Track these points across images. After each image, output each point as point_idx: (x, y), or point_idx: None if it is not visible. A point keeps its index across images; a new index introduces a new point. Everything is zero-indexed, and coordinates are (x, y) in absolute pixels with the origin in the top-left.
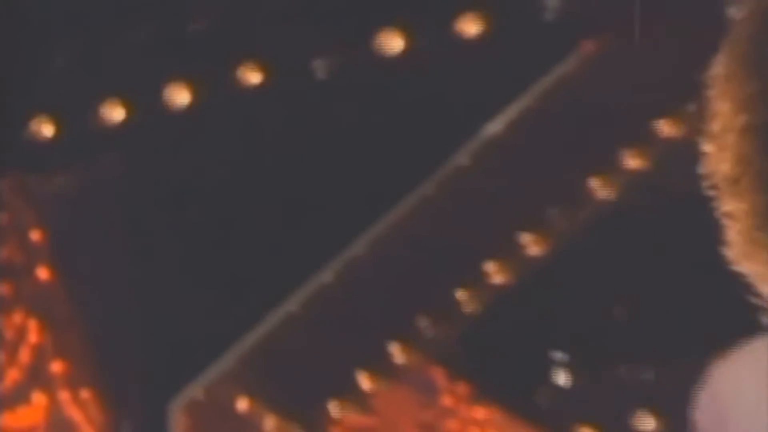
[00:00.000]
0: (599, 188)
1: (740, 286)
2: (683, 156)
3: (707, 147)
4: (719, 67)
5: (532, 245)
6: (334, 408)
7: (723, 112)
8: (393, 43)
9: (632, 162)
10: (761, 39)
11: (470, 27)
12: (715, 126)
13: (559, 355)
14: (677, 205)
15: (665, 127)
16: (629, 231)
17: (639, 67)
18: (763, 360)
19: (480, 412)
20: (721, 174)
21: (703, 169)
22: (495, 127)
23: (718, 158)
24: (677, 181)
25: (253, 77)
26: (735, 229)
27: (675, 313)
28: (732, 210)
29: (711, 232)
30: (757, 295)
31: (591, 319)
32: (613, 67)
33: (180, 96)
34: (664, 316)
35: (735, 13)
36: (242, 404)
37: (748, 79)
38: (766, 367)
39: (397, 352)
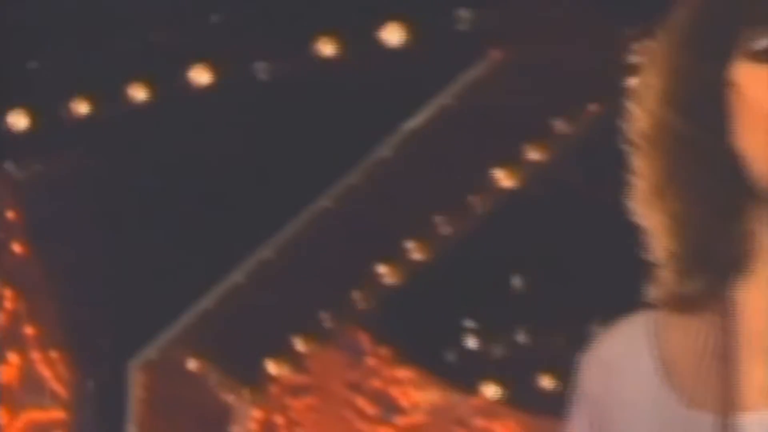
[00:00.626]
0: (504, 178)
1: (627, 262)
2: (577, 150)
3: (632, 106)
4: (655, 41)
5: (445, 226)
6: (271, 367)
7: (651, 76)
8: (327, 48)
9: (533, 155)
10: (698, 14)
11: (394, 35)
12: (643, 87)
13: (468, 322)
14: (570, 193)
15: (561, 126)
16: (529, 214)
17: (539, 73)
18: (643, 330)
19: (400, 372)
20: (638, 131)
21: (624, 125)
22: (414, 122)
23: (639, 117)
24: (571, 172)
25: (203, 77)
26: (642, 184)
27: (568, 286)
28: (642, 165)
29: (600, 216)
30: (651, 251)
31: (496, 290)
32: (517, 73)
33: (139, 94)
34: (558, 289)
35: None
36: (192, 364)
37: (678, 48)
38: (646, 337)
39: (328, 319)
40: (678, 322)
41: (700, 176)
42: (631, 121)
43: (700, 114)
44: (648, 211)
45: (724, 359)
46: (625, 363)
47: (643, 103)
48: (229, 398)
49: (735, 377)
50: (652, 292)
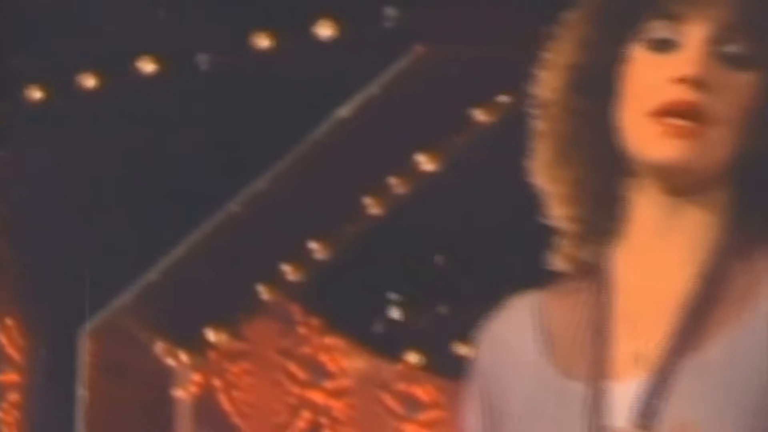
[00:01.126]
0: (425, 162)
1: (536, 241)
2: (492, 139)
3: (541, 72)
4: (569, 17)
5: (373, 206)
6: (211, 335)
7: (561, 50)
8: (263, 41)
9: (453, 141)
10: (608, 3)
11: (326, 30)
12: (552, 59)
13: (392, 295)
14: (487, 178)
15: (479, 115)
16: (448, 196)
17: (459, 67)
18: (529, 307)
19: (329, 340)
20: (543, 97)
21: (533, 89)
22: (344, 111)
23: (545, 83)
24: (486, 159)
25: (148, 67)
26: (543, 147)
27: (483, 263)
28: (545, 129)
29: (512, 201)
30: (550, 216)
31: (419, 267)
32: (439, 66)
33: (89, 82)
34: (475, 266)
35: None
36: (138, 331)
37: (586, 28)
38: (531, 313)
39: (263, 291)
40: (559, 299)
41: (590, 147)
42: (537, 90)
43: (595, 88)
44: (546, 181)
45: (597, 332)
46: (513, 337)
47: (550, 74)
48: (172, 363)
49: (606, 349)
50: (554, 260)
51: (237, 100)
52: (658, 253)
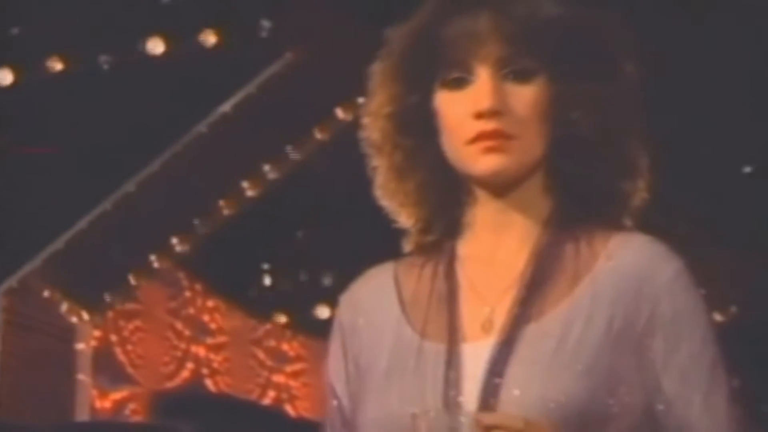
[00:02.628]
0: (294, 151)
1: (385, 223)
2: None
3: (365, 121)
4: (376, 71)
5: (249, 189)
6: (109, 297)
7: (377, 100)
8: (157, 47)
9: (317, 135)
10: (405, 55)
11: (210, 38)
12: (371, 107)
13: (264, 265)
14: (346, 164)
15: (340, 112)
16: (313, 181)
17: (324, 71)
18: (389, 275)
19: (210, 302)
20: (372, 141)
21: (362, 135)
22: (225, 107)
23: (371, 130)
24: (346, 150)
25: (57, 65)
26: (380, 178)
27: (342, 238)
28: (378, 165)
29: (370, 184)
30: (397, 221)
31: (285, 240)
32: (307, 70)
33: (6, 78)
34: (333, 239)
35: (390, 33)
36: (46, 292)
37: (393, 81)
38: (391, 281)
39: (155, 260)
40: (414, 270)
41: (421, 171)
42: (366, 134)
43: (415, 128)
44: (388, 196)
45: (448, 300)
46: (376, 301)
47: (372, 120)
48: (75, 320)
49: (457, 315)
50: (405, 243)
51: (134, 97)
52: (499, 241)
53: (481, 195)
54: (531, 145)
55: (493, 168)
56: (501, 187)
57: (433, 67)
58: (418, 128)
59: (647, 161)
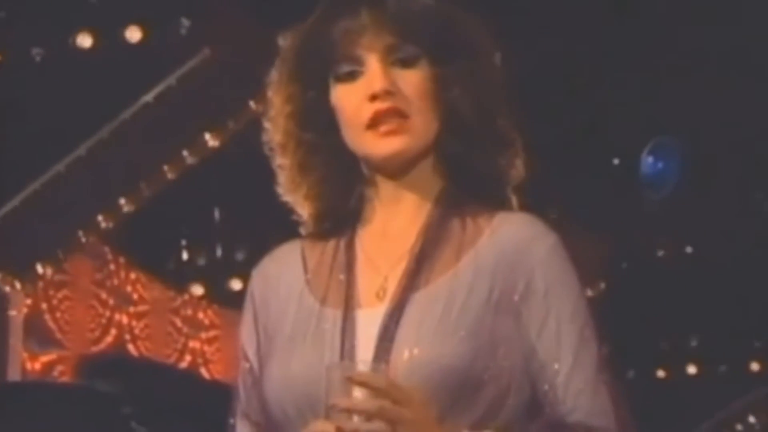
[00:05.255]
0: (211, 139)
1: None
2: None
3: (267, 124)
4: (275, 74)
5: (169, 172)
6: (40, 268)
7: (276, 103)
8: (86, 41)
9: (231, 125)
10: (300, 57)
11: (135, 34)
12: (272, 112)
13: (183, 240)
14: (258, 152)
15: (253, 105)
16: (227, 165)
17: (237, 66)
18: (296, 250)
19: (133, 274)
20: (274, 142)
21: (264, 138)
22: (148, 97)
23: (273, 131)
24: (259, 137)
25: None
26: (283, 176)
27: (253, 217)
28: (281, 163)
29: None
30: (299, 214)
31: (203, 219)
32: (222, 65)
33: None
34: (246, 219)
35: (282, 40)
36: None
37: (290, 82)
38: (297, 255)
39: (82, 235)
40: (317, 246)
41: (323, 164)
42: (269, 136)
43: (316, 124)
44: (292, 190)
45: (347, 270)
46: (284, 273)
47: (274, 123)
48: (8, 289)
49: (354, 283)
50: (304, 228)
51: (65, 88)
52: (393, 217)
53: (379, 178)
54: (424, 125)
55: (392, 150)
56: (397, 169)
57: (325, 65)
58: (318, 124)
59: (521, 140)
